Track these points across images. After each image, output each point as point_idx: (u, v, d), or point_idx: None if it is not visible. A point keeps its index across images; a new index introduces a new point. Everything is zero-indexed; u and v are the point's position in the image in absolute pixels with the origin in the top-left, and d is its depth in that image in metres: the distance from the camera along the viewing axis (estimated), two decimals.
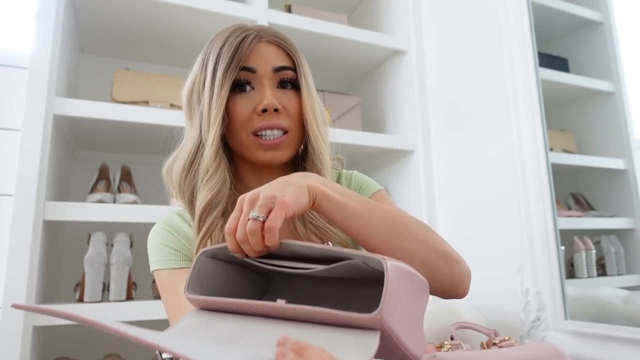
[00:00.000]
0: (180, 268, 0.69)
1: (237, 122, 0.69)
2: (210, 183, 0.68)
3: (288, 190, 0.53)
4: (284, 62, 0.71)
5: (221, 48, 0.69)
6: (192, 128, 0.72)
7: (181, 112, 1.39)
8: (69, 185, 1.56)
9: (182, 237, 0.71)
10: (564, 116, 1.34)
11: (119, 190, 1.42)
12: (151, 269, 0.72)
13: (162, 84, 1.48)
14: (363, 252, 0.45)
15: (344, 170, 0.82)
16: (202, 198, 0.68)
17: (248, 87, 0.70)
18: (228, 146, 0.73)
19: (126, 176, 1.49)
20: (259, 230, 0.49)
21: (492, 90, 1.40)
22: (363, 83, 2.00)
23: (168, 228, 0.73)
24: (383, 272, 0.42)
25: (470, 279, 0.62)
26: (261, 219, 0.50)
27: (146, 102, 1.44)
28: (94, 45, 1.65)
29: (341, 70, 1.91)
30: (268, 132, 0.69)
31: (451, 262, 0.60)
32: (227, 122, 0.70)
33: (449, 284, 0.60)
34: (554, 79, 1.31)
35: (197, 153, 0.71)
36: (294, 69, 0.72)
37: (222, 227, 0.68)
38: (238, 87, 0.70)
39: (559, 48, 1.37)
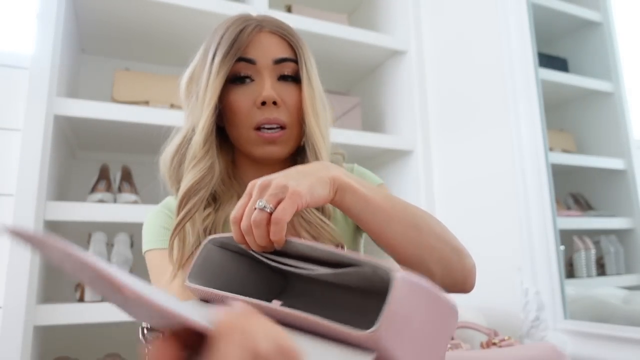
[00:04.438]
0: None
1: (237, 116, 0.68)
2: (196, 168, 0.66)
3: (304, 180, 0.49)
4: (285, 54, 0.68)
5: (221, 37, 0.67)
6: (187, 115, 0.71)
7: (180, 112, 1.39)
8: (69, 185, 1.57)
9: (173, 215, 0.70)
10: (563, 116, 1.34)
11: (120, 190, 1.42)
12: (143, 250, 0.71)
13: (162, 84, 1.48)
14: (374, 260, 0.39)
15: (345, 164, 0.80)
16: (185, 182, 0.66)
17: (247, 79, 0.68)
18: (228, 139, 0.72)
19: (126, 176, 1.49)
20: (264, 221, 0.46)
21: (492, 90, 1.41)
22: (363, 83, 2.00)
23: (166, 211, 0.72)
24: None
25: (476, 273, 0.62)
26: (268, 210, 0.46)
27: (146, 102, 1.44)
28: (94, 45, 1.65)
29: (341, 70, 1.91)
30: (267, 127, 0.67)
31: (463, 257, 0.59)
32: (227, 115, 0.69)
33: (460, 278, 0.59)
34: (553, 79, 1.31)
35: (188, 139, 0.69)
36: (295, 60, 0.69)
37: (205, 216, 0.67)
38: (238, 79, 0.68)
39: (558, 48, 1.37)
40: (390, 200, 0.56)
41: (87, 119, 1.27)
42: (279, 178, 0.49)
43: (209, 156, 0.67)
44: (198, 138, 0.66)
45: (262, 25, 0.69)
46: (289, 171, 0.52)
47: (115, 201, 1.37)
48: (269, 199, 0.47)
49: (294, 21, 1.55)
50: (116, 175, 1.47)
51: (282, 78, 0.69)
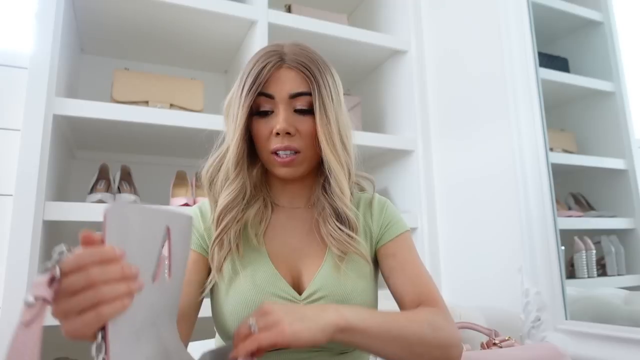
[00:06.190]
0: None
1: (259, 142, 0.77)
2: (229, 188, 0.76)
3: (299, 323, 0.57)
4: (300, 89, 0.75)
5: (250, 70, 0.77)
6: (226, 133, 0.81)
7: (180, 112, 1.40)
8: (69, 185, 1.56)
9: (203, 220, 0.81)
10: (564, 116, 1.34)
11: (119, 190, 1.42)
12: None
13: (162, 84, 1.48)
14: None
15: (377, 195, 0.85)
16: (221, 201, 0.76)
17: (268, 111, 0.76)
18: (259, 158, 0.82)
19: (126, 176, 1.49)
20: (241, 335, 0.56)
21: (492, 90, 1.40)
22: (363, 83, 2.00)
23: (198, 211, 0.84)
24: None
25: (461, 357, 0.71)
26: (253, 330, 0.56)
27: (146, 102, 1.44)
28: (94, 45, 1.65)
29: (341, 70, 1.88)
30: (281, 152, 0.75)
31: (451, 350, 0.67)
32: (254, 140, 0.78)
33: None
34: (554, 79, 1.31)
35: (223, 160, 0.79)
36: (309, 93, 0.76)
37: (239, 229, 0.77)
38: (261, 112, 0.76)
39: (559, 48, 1.37)
40: (385, 325, 0.63)
41: (87, 118, 1.27)
42: (278, 312, 0.58)
43: (240, 177, 0.77)
44: (230, 161, 0.76)
45: (284, 60, 0.76)
46: (294, 309, 0.60)
47: (114, 201, 1.37)
48: (259, 325, 0.57)
49: (294, 21, 1.55)
50: (115, 175, 1.46)
51: (299, 109, 0.76)
